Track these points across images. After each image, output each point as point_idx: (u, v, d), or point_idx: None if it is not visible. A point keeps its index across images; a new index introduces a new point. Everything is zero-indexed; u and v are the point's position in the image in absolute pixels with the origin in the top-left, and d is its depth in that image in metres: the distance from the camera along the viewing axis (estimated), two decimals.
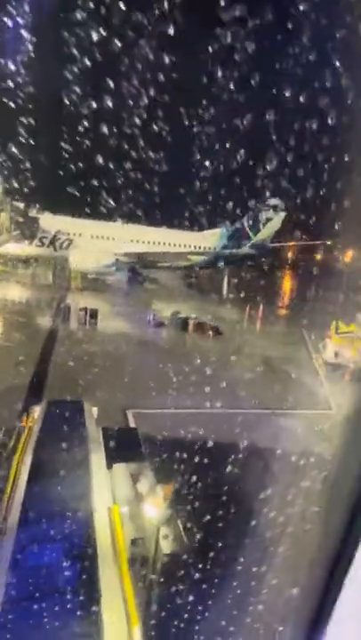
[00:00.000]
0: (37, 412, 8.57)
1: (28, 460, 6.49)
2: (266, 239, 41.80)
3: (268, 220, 41.55)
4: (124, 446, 8.00)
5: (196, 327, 24.42)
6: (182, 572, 4.64)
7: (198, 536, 4.90)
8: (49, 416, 8.09)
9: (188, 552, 4.94)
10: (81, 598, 4.10)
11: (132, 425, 12.51)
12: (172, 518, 5.39)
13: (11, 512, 5.19)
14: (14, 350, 18.49)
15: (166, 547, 4.98)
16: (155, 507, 5.63)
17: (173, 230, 40.11)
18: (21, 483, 5.78)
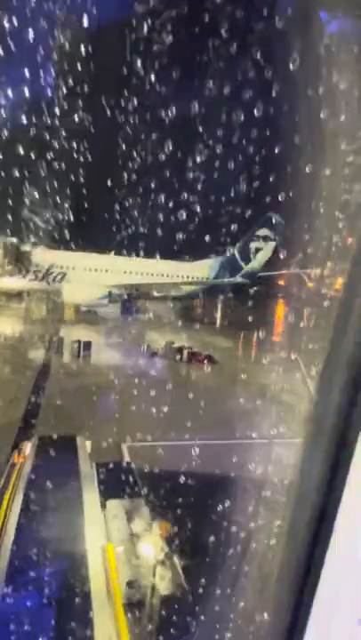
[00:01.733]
0: (28, 447, 8.35)
1: (19, 498, 6.25)
2: (257, 268, 42.56)
3: (258, 249, 42.49)
4: (118, 482, 7.76)
5: (190, 357, 24.36)
6: (180, 615, 4.39)
7: (197, 577, 4.68)
8: (40, 452, 7.88)
9: (185, 594, 4.70)
10: None
11: (127, 459, 12.19)
12: (168, 558, 5.15)
13: (0, 553, 4.94)
14: (6, 385, 18.19)
15: (163, 588, 4.74)
16: (151, 546, 5.40)
17: (166, 261, 40.77)
18: (12, 522, 5.54)
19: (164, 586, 4.76)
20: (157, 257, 39.68)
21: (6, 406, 15.48)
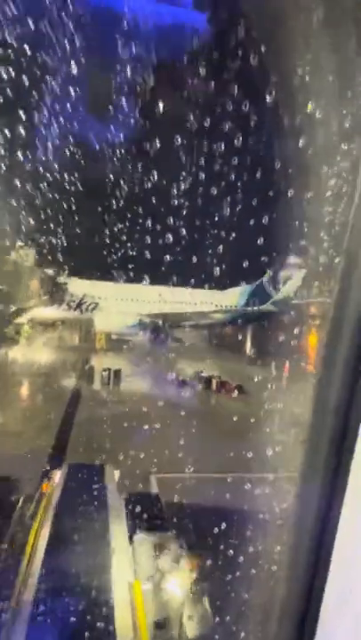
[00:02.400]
0: (58, 476, 8.38)
1: (47, 528, 6.24)
2: (287, 296, 42.12)
3: (288, 278, 42.18)
4: (146, 514, 7.60)
5: (219, 386, 24.03)
6: None
7: (228, 617, 4.43)
8: (69, 481, 7.89)
9: (215, 636, 4.44)
10: None
11: (155, 490, 11.95)
12: (198, 596, 4.92)
13: (27, 585, 4.89)
14: (38, 412, 18.52)
15: (191, 629, 4.50)
16: (179, 583, 5.20)
17: (195, 290, 41.16)
18: (39, 553, 5.51)
19: (192, 626, 4.53)
20: (188, 286, 40.14)
21: (37, 433, 15.70)
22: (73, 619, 4.38)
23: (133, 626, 4.49)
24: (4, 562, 6.22)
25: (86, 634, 4.30)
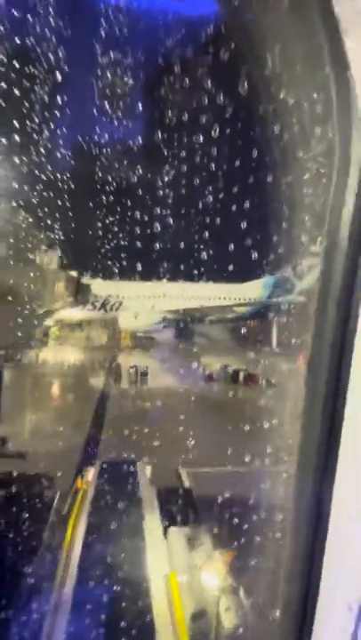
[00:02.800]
0: (91, 473, 8.59)
1: (83, 524, 6.42)
2: (312, 286, 41.20)
3: (312, 267, 41.26)
4: (179, 508, 7.70)
5: (246, 379, 23.88)
6: None
7: (264, 607, 4.44)
8: (102, 478, 8.08)
9: (253, 626, 4.47)
10: None
11: (187, 485, 12.04)
12: (233, 588, 4.96)
13: (67, 577, 5.07)
14: (69, 411, 18.99)
15: (229, 620, 4.55)
16: (214, 575, 5.25)
17: (218, 284, 40.92)
18: (76, 547, 5.69)
19: (229, 618, 4.58)
20: (210, 281, 40.02)
21: (70, 432, 16.10)
22: (112, 609, 4.51)
23: (171, 616, 4.58)
24: (44, 555, 6.45)
25: (125, 624, 4.42)
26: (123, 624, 4.41)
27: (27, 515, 7.41)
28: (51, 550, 6.70)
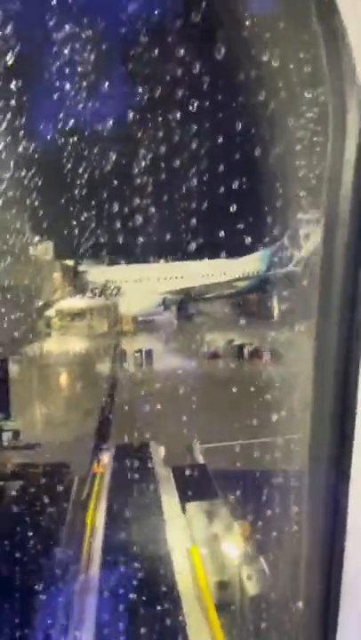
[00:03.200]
0: (107, 457, 8.74)
1: (103, 506, 6.57)
2: (309, 255, 40.87)
3: (308, 235, 40.80)
4: (195, 484, 7.85)
5: (252, 354, 23.98)
6: (272, 614, 4.32)
7: (286, 573, 4.58)
8: (118, 461, 8.23)
9: (275, 592, 4.62)
10: None
11: (201, 460, 12.26)
12: (253, 558, 5.11)
13: (91, 559, 5.22)
14: (79, 399, 19.19)
15: (252, 588, 4.70)
16: (234, 546, 5.39)
17: (214, 260, 40.60)
18: (99, 529, 5.84)
19: (252, 586, 4.73)
20: (205, 258, 39.66)
21: (82, 418, 16.31)
22: (138, 586, 4.66)
23: (195, 588, 4.73)
24: (68, 539, 6.63)
25: (153, 598, 4.57)
26: (150, 598, 4.56)
27: (47, 502, 7.58)
28: (73, 533, 6.88)
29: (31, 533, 6.45)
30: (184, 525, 6.24)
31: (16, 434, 14.04)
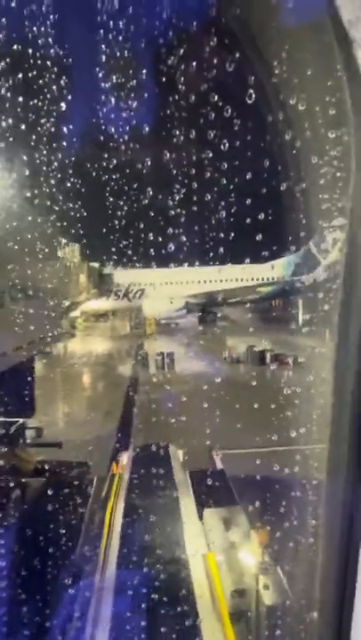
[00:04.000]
0: (125, 458, 8.82)
1: (121, 507, 6.63)
2: (337, 260, 40.06)
3: (336, 241, 40.02)
4: (213, 490, 7.81)
5: (273, 359, 23.69)
6: (287, 624, 4.25)
7: (301, 583, 4.50)
8: (137, 462, 8.28)
9: (291, 602, 4.54)
10: None
11: (220, 466, 12.18)
12: (271, 566, 5.04)
13: (108, 559, 5.28)
14: (100, 399, 19.45)
15: (268, 598, 4.63)
16: (251, 554, 5.33)
17: (239, 265, 40.40)
18: (116, 529, 5.89)
19: (268, 595, 4.66)
20: (230, 263, 39.50)
21: (103, 419, 16.53)
22: (154, 589, 4.67)
23: (211, 595, 4.70)
24: (86, 539, 6.72)
25: (168, 602, 4.58)
26: (164, 604, 4.57)
27: (66, 500, 7.72)
28: (91, 534, 6.98)
29: (51, 530, 6.58)
30: (201, 531, 6.22)
31: (39, 431, 14.35)
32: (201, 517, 6.54)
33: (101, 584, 4.96)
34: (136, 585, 4.81)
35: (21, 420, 10.91)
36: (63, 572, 5.82)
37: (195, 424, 14.87)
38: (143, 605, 4.51)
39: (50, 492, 8.00)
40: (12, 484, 8.68)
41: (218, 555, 5.51)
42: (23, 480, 9.50)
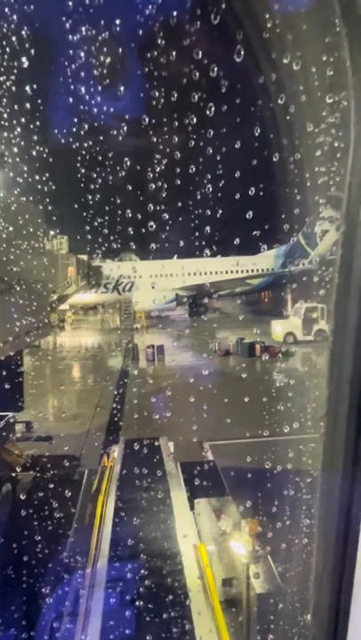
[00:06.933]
0: (116, 451, 8.80)
1: (112, 500, 6.62)
2: (325, 252, 40.31)
3: (325, 232, 40.22)
4: (204, 480, 7.86)
5: (263, 351, 23.84)
6: (277, 612, 4.31)
7: (293, 572, 4.55)
8: (127, 455, 8.27)
9: (281, 591, 4.60)
10: None
11: (210, 457, 12.26)
12: (261, 555, 5.09)
13: (100, 551, 5.27)
14: (91, 393, 19.37)
15: (258, 586, 4.69)
16: (242, 543, 5.38)
17: (228, 257, 40.39)
18: (107, 522, 5.89)
19: (259, 584, 4.72)
20: (219, 255, 39.47)
21: (93, 413, 16.48)
22: (146, 580, 4.69)
23: (203, 584, 4.74)
24: (77, 531, 6.71)
25: (160, 593, 4.60)
26: (157, 593, 4.59)
27: (58, 493, 7.69)
28: (83, 525, 6.97)
29: (41, 524, 6.55)
30: (192, 522, 6.25)
31: (29, 425, 14.27)
32: (192, 507, 6.58)
33: (93, 575, 4.96)
34: (128, 576, 4.82)
35: (10, 414, 10.80)
36: (54, 565, 5.82)
37: (184, 416, 14.90)
38: (134, 596, 4.53)
39: (40, 486, 7.96)
40: (1, 479, 8.61)
41: (208, 545, 5.55)
42: (13, 474, 9.45)
